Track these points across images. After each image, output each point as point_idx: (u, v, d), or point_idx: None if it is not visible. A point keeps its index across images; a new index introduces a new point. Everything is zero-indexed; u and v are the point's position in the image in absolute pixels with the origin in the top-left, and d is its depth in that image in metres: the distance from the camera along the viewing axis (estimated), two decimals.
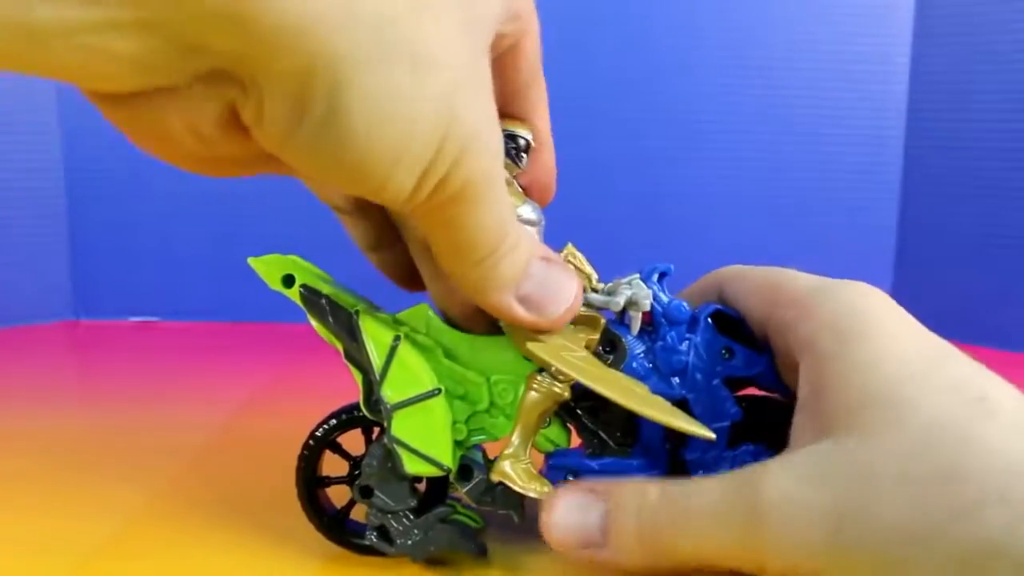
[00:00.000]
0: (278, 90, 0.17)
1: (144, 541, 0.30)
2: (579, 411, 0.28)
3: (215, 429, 0.41)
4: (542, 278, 0.24)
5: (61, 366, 0.55)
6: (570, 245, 0.28)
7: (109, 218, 0.61)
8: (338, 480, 0.29)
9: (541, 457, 0.28)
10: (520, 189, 0.28)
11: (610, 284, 0.28)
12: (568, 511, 0.24)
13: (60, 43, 0.15)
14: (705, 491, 0.23)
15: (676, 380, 0.27)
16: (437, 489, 0.28)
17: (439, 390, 0.26)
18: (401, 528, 0.28)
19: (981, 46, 0.55)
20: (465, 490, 0.28)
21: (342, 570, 0.28)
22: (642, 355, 0.27)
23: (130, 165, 0.60)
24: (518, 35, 0.24)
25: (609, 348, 0.27)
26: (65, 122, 0.60)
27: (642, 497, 0.23)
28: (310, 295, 0.27)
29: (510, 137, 0.26)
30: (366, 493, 0.28)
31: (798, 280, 0.26)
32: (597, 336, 0.27)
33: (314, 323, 0.27)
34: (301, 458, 0.28)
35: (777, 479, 0.21)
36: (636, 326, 0.27)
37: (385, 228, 0.29)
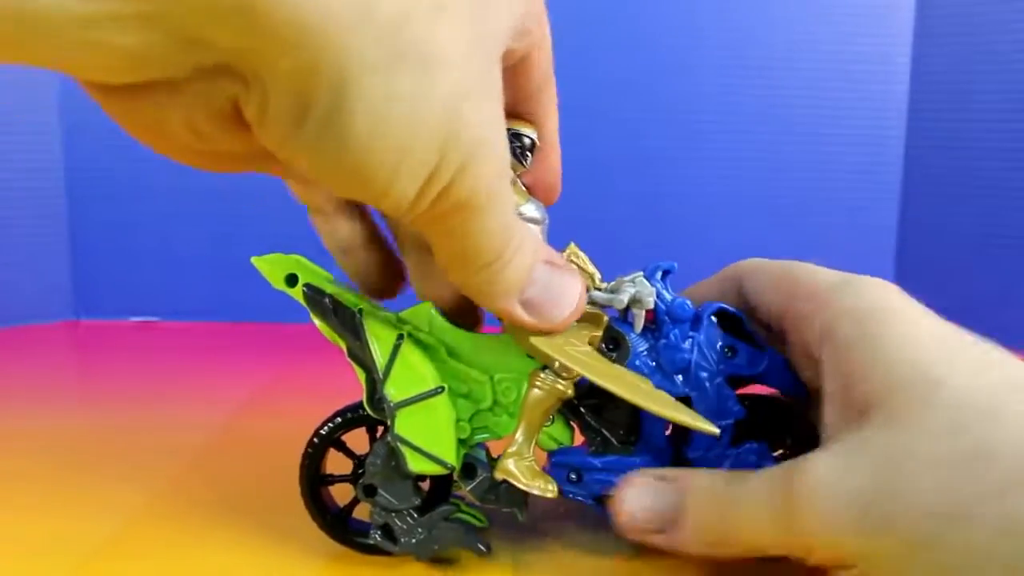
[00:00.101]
0: (282, 87, 0.17)
1: (144, 541, 0.30)
2: (582, 409, 0.28)
3: (215, 429, 0.41)
4: (546, 282, 0.24)
5: (61, 366, 0.55)
6: (572, 245, 0.28)
7: (109, 218, 0.61)
8: (342, 479, 0.29)
9: (544, 455, 0.28)
10: (524, 188, 0.28)
11: (613, 283, 0.28)
12: (638, 497, 0.25)
13: (59, 34, 0.15)
14: (753, 482, 0.23)
15: (679, 378, 0.27)
16: (441, 488, 0.28)
17: (442, 388, 0.26)
18: (405, 527, 0.28)
19: (981, 46, 0.55)
20: (469, 488, 0.28)
21: (344, 570, 0.28)
22: (645, 353, 0.27)
23: (130, 165, 0.60)
24: (529, 48, 0.24)
25: (612, 346, 0.27)
26: (65, 122, 0.59)
27: (708, 486, 0.25)
28: (313, 294, 0.27)
29: (515, 136, 0.26)
30: (370, 492, 0.28)
31: (816, 274, 0.26)
32: (600, 333, 0.27)
33: (317, 322, 0.27)
34: (305, 455, 0.28)
35: (813, 467, 0.22)
36: (639, 324, 0.27)
37: (362, 232, 0.28)
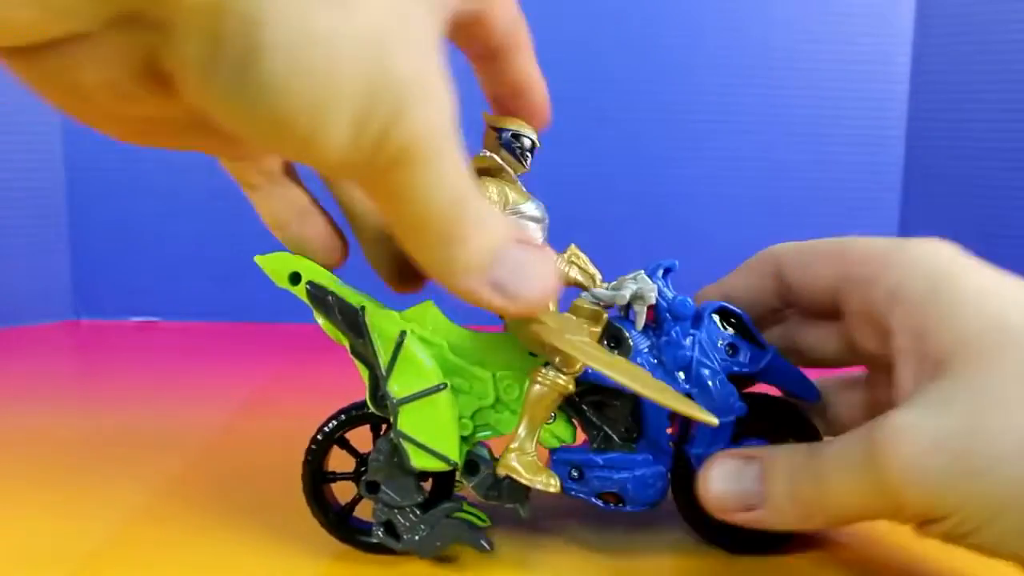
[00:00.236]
0: (192, 29, 0.15)
1: (144, 541, 0.30)
2: (584, 406, 0.28)
3: (215, 429, 0.41)
4: (515, 262, 0.22)
5: (61, 366, 0.55)
6: (573, 247, 0.28)
7: (109, 218, 0.61)
8: (344, 476, 0.29)
9: (546, 452, 0.28)
10: (524, 188, 0.28)
11: (615, 283, 0.28)
12: (725, 476, 0.26)
13: None
14: (834, 447, 0.24)
15: (681, 375, 0.27)
16: (443, 485, 0.28)
17: (444, 385, 0.27)
18: (408, 524, 0.28)
19: (981, 46, 0.55)
20: (471, 484, 0.28)
21: (346, 568, 0.28)
22: (647, 350, 0.27)
23: (130, 165, 0.60)
24: (482, 2, 0.23)
25: (614, 344, 0.27)
26: (65, 122, 0.59)
27: (791, 459, 0.25)
28: (317, 292, 0.27)
29: (515, 136, 0.26)
30: (372, 488, 0.28)
31: (866, 241, 0.27)
32: (599, 329, 0.27)
33: (320, 320, 0.27)
34: (308, 452, 0.28)
35: (896, 422, 0.22)
36: (641, 321, 0.27)
37: (297, 203, 0.27)
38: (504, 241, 0.22)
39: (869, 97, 0.59)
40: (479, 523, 0.28)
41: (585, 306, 0.27)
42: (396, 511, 0.28)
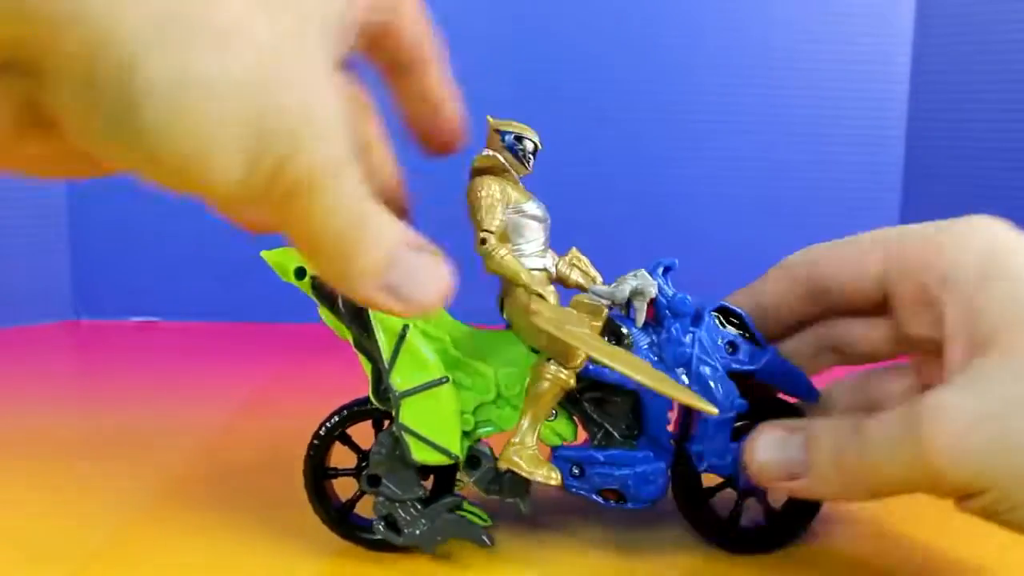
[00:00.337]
0: (68, 75, 0.15)
1: (144, 541, 0.30)
2: (585, 402, 0.28)
3: (215, 429, 0.41)
4: (409, 266, 0.22)
5: (61, 366, 0.55)
6: (574, 250, 0.28)
7: (109, 218, 0.61)
8: (346, 472, 0.29)
9: (547, 450, 0.28)
10: (524, 187, 0.28)
11: (615, 282, 0.28)
12: (769, 446, 0.26)
13: None
14: (879, 421, 0.24)
15: (681, 372, 0.27)
16: (445, 479, 0.28)
17: (447, 378, 0.27)
18: (409, 518, 0.28)
19: (981, 46, 0.55)
20: (473, 479, 0.28)
21: (347, 566, 0.28)
22: (647, 347, 0.27)
23: None
24: (387, 15, 0.23)
25: (614, 341, 0.27)
26: None
27: (836, 431, 0.25)
28: (322, 286, 0.27)
29: (517, 139, 0.27)
30: (374, 482, 0.28)
31: (911, 229, 0.27)
32: (599, 323, 0.27)
33: (324, 314, 0.27)
34: (310, 448, 0.28)
35: (939, 398, 0.23)
36: (641, 317, 0.27)
37: None
38: (397, 245, 0.21)
39: (869, 97, 0.59)
40: (480, 522, 0.28)
41: (585, 302, 0.27)
42: (397, 505, 0.28)
